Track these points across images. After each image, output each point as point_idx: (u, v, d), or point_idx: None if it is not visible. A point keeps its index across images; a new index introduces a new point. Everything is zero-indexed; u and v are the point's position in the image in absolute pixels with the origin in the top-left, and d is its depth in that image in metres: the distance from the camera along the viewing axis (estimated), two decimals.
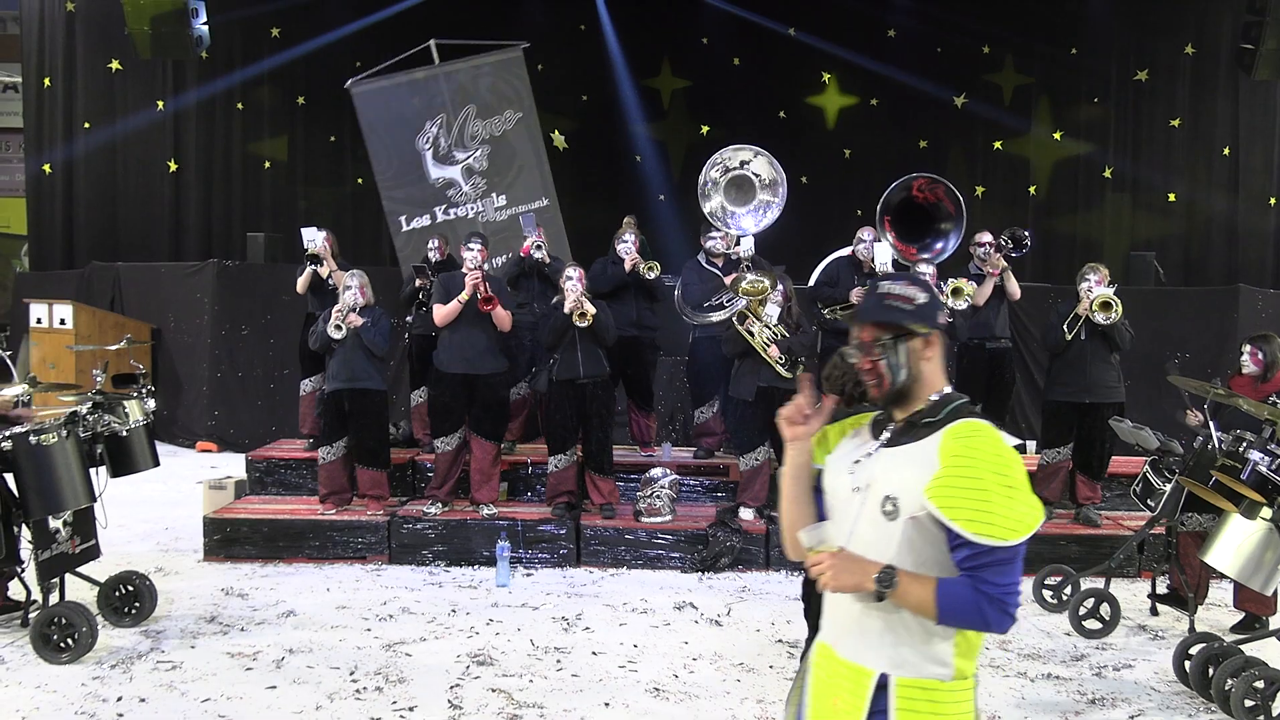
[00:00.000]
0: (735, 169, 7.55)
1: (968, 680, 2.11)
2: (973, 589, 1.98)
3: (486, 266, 6.80)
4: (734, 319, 6.67)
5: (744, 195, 7.54)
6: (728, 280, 7.22)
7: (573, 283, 6.55)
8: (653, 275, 7.25)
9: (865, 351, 2.19)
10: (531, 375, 7.27)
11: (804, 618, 3.74)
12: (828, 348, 7.55)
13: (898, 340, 2.16)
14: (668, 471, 6.88)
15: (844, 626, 2.15)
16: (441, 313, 6.59)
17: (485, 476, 6.76)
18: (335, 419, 6.73)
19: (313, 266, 7.46)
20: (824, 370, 3.65)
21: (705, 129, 12.10)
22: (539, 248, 7.32)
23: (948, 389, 2.19)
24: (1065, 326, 6.59)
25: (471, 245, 6.68)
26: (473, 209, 9.13)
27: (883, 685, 2.07)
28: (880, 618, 2.08)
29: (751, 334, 6.56)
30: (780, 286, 6.61)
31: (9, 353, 5.86)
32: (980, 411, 2.17)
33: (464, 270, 6.61)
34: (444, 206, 9.13)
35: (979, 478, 1.98)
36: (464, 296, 6.49)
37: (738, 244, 7.31)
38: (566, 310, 6.49)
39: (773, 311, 6.56)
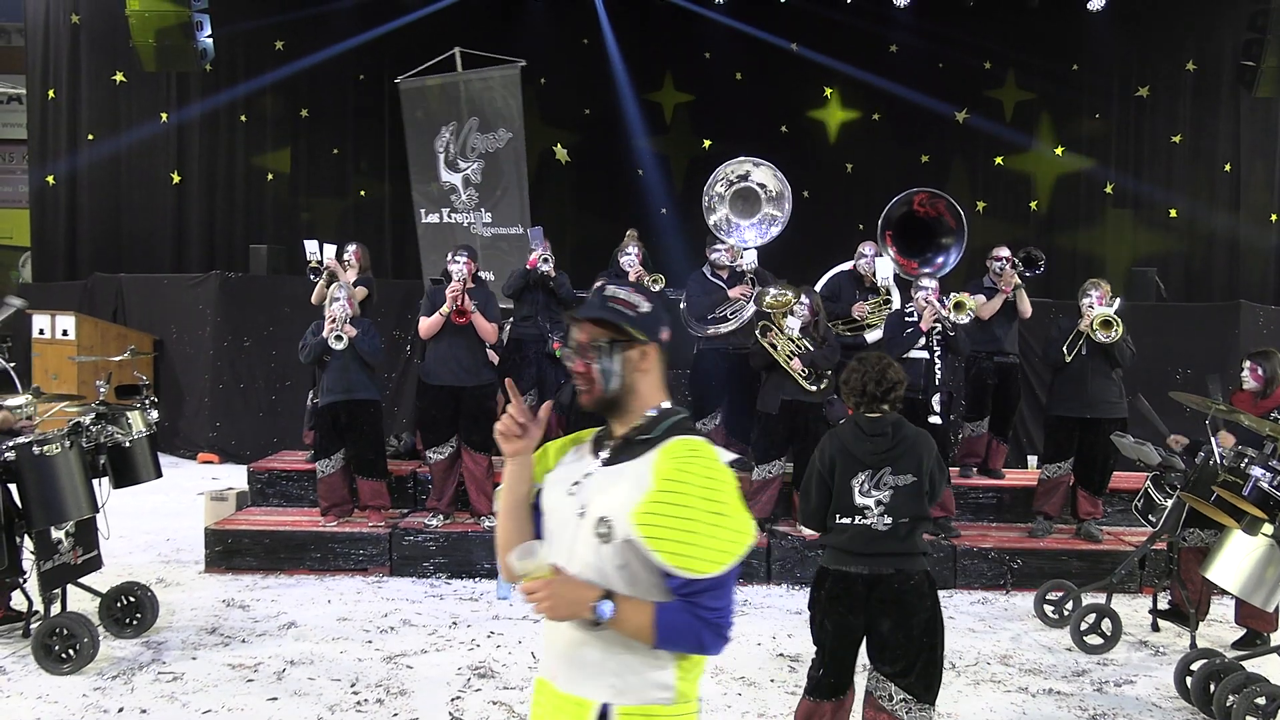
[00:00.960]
0: (737, 183, 7.58)
1: (691, 703, 2.06)
2: (691, 614, 1.94)
3: (488, 275, 6.85)
4: (757, 332, 6.69)
5: (750, 207, 7.58)
6: (732, 292, 7.24)
7: None
8: (657, 288, 7.26)
9: (580, 353, 2.09)
10: (558, 389, 7.26)
11: (810, 627, 3.77)
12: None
13: (614, 345, 2.07)
14: None
15: (562, 657, 2.06)
16: (424, 325, 6.62)
17: (481, 488, 6.77)
18: (331, 431, 6.74)
19: (317, 279, 7.51)
20: (843, 375, 3.83)
21: (707, 143, 12.13)
22: (545, 261, 7.34)
23: (666, 404, 2.12)
24: (1066, 344, 6.59)
25: (457, 258, 6.73)
26: (466, 219, 9.41)
27: (604, 716, 2.00)
28: (599, 646, 2.00)
29: (775, 347, 6.58)
30: (807, 300, 6.63)
31: (12, 364, 5.87)
32: (696, 428, 2.12)
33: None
34: (448, 210, 9.48)
35: (687, 505, 1.91)
36: (445, 309, 6.52)
37: (740, 256, 7.34)
38: None
39: (793, 324, 6.58)
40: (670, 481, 1.94)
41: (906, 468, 3.60)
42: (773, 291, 6.70)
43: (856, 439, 3.65)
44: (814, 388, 6.58)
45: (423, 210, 9.66)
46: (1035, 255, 7.63)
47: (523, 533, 2.15)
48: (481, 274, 7.70)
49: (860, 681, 3.68)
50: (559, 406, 7.41)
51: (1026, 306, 7.42)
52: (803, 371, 6.52)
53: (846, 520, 3.61)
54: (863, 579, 3.52)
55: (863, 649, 3.64)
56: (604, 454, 2.10)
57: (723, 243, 7.45)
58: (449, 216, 9.51)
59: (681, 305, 7.55)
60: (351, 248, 7.66)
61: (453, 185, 9.50)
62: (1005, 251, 7.47)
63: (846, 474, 3.61)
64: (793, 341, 6.58)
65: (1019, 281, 7.34)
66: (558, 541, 2.08)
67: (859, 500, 3.58)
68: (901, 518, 3.56)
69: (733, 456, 2.06)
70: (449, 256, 6.83)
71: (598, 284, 6.75)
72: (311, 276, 7.61)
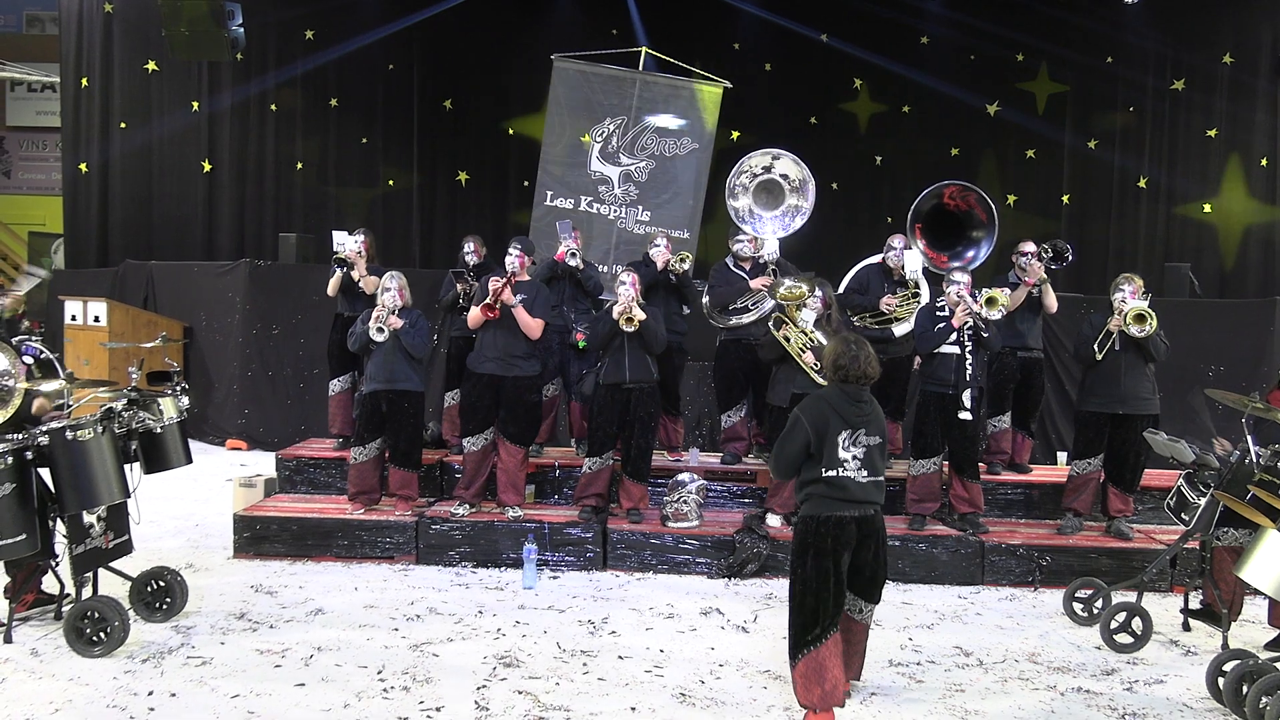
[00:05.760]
0: (761, 175, 7.54)
1: None
2: None
3: (577, 261, 7.28)
4: (770, 325, 6.66)
5: (774, 199, 7.54)
6: (754, 283, 7.23)
7: (626, 287, 6.56)
8: (685, 266, 7.25)
9: None
10: (579, 379, 7.27)
11: (801, 571, 4.34)
12: None
13: None
14: (695, 477, 6.86)
15: None
16: (470, 315, 6.63)
17: (511, 480, 6.77)
18: (372, 419, 6.76)
19: (340, 269, 7.51)
20: (835, 356, 4.40)
21: (736, 135, 12.07)
22: (574, 255, 7.33)
23: None
24: (1098, 340, 6.51)
25: (511, 250, 6.72)
26: (615, 212, 9.35)
27: None
28: None
29: (788, 340, 6.55)
30: (820, 293, 6.61)
31: (57, 355, 5.93)
32: None
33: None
34: (590, 199, 9.39)
35: None
36: (489, 300, 6.52)
37: (761, 247, 7.33)
38: (616, 314, 6.49)
39: (808, 317, 6.55)
40: None
41: (875, 431, 4.35)
42: (787, 283, 6.66)
43: (844, 403, 4.34)
44: (826, 381, 6.54)
45: (550, 192, 9.48)
46: (1061, 248, 7.53)
47: None
48: (595, 268, 7.76)
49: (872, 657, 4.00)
50: (580, 396, 7.41)
51: (1052, 301, 7.33)
52: (815, 365, 6.48)
53: (832, 473, 4.27)
54: (855, 520, 4.28)
55: None
56: None
57: (745, 234, 7.42)
58: (590, 205, 9.40)
59: (704, 297, 7.54)
60: (359, 237, 7.57)
61: (605, 177, 9.40)
62: (1031, 246, 7.38)
63: (834, 431, 4.29)
64: (806, 334, 6.55)
65: (1044, 275, 7.26)
66: None
67: (841, 454, 4.27)
68: (876, 474, 4.32)
69: None
70: (508, 247, 6.82)
71: None
72: (336, 267, 7.62)
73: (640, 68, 9.45)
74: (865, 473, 4.27)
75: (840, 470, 4.25)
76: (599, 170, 9.40)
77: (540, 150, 9.59)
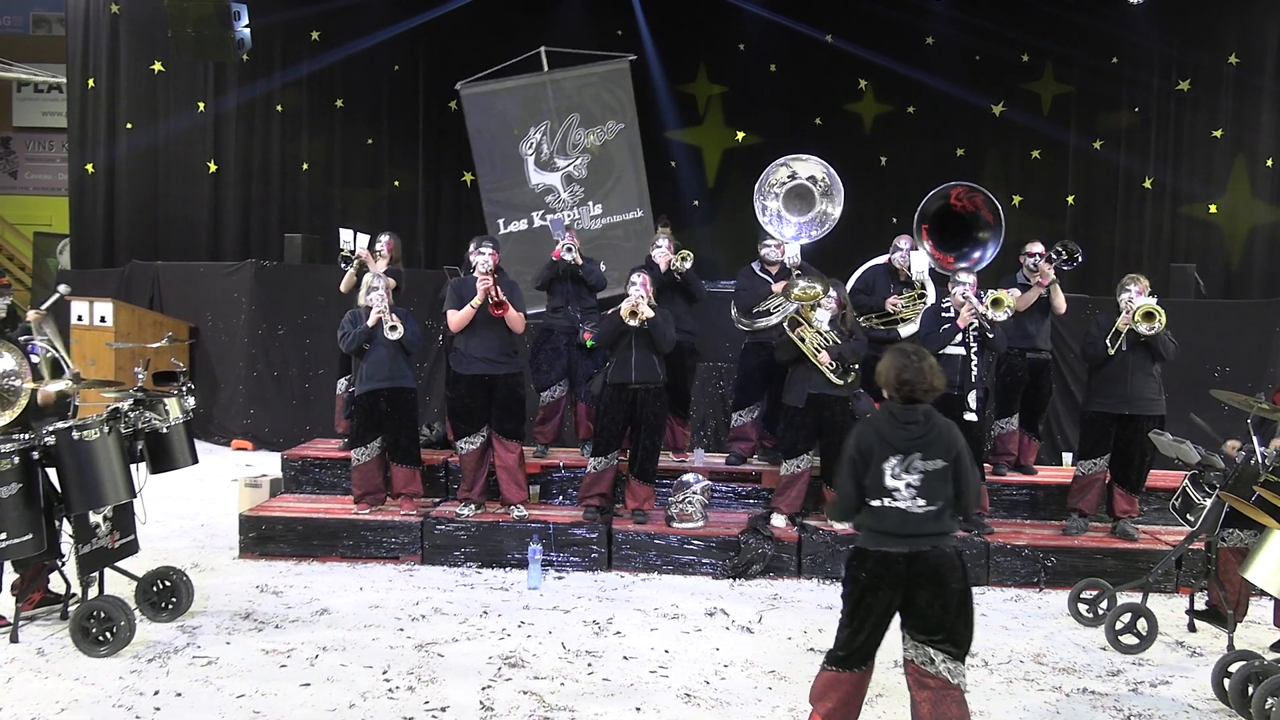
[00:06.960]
0: (789, 182, 7.55)
1: None
2: None
3: (601, 265, 6.97)
4: (786, 325, 6.68)
5: (805, 205, 7.55)
6: (775, 287, 7.25)
7: (636, 287, 6.56)
8: (688, 264, 7.27)
9: None
10: (589, 378, 7.28)
11: (845, 602, 3.85)
12: (865, 355, 7.53)
13: None
14: (700, 477, 6.87)
15: None
16: (455, 318, 6.63)
17: (512, 476, 6.79)
18: (369, 419, 6.78)
19: (348, 267, 7.55)
20: (886, 369, 3.82)
21: (741, 135, 12.09)
22: (570, 250, 7.33)
23: None
24: (1107, 339, 6.51)
25: (483, 249, 6.70)
26: (569, 216, 9.24)
27: None
28: None
29: (803, 340, 6.56)
30: (834, 293, 6.62)
31: (64, 354, 5.94)
32: None
33: (475, 275, 6.63)
34: (541, 212, 9.29)
35: None
36: (476, 302, 6.53)
37: (783, 251, 7.36)
38: (624, 311, 6.50)
39: (823, 318, 6.58)
40: None
41: (936, 454, 3.73)
42: (801, 284, 6.68)
43: (890, 426, 3.78)
44: (841, 381, 6.56)
45: (501, 220, 9.35)
46: (1073, 249, 7.51)
47: None
48: (595, 263, 7.68)
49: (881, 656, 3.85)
50: (588, 397, 7.41)
51: (1061, 302, 7.32)
52: (831, 365, 6.50)
53: (878, 503, 3.73)
54: (904, 557, 3.69)
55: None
56: None
57: (772, 238, 7.44)
58: (544, 218, 9.28)
59: (733, 303, 7.56)
60: (384, 238, 7.64)
61: (548, 185, 9.30)
62: (1039, 247, 7.38)
63: (880, 458, 3.74)
64: (821, 334, 6.56)
65: (1054, 276, 7.25)
66: None
67: (889, 483, 3.71)
68: (935, 502, 3.69)
69: None
70: (472, 247, 6.81)
71: None
72: (343, 265, 7.65)
73: (545, 68, 9.40)
74: (923, 502, 3.69)
75: (887, 500, 3.71)
76: (540, 182, 9.34)
77: (478, 183, 9.51)
